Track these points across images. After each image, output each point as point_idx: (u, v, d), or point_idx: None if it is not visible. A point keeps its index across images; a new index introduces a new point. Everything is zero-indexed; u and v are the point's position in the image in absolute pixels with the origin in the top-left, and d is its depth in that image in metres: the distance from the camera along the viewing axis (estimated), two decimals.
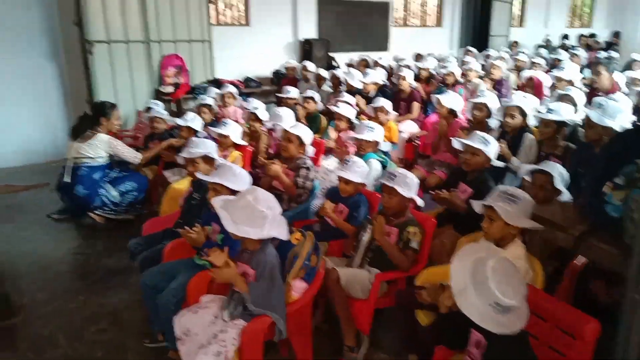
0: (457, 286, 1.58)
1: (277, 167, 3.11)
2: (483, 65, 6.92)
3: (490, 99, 4.08)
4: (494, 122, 4.03)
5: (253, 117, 4.28)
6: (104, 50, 5.69)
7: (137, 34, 5.97)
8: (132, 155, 4.12)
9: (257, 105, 4.40)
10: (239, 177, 2.55)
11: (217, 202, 2.11)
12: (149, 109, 4.82)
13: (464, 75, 6.17)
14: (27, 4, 5.65)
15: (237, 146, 3.85)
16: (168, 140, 4.23)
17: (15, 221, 4.17)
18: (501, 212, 2.06)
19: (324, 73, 6.47)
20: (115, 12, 5.73)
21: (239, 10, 8.34)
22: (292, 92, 5.41)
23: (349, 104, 4.59)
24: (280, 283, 2.13)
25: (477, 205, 2.22)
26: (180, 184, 3.51)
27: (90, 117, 4.17)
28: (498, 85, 5.99)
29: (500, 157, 3.17)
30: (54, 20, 5.84)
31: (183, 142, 3.91)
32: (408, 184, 2.52)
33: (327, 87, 6.33)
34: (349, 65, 7.74)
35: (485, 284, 1.50)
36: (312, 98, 5.09)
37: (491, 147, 2.93)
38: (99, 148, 4.00)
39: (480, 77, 6.18)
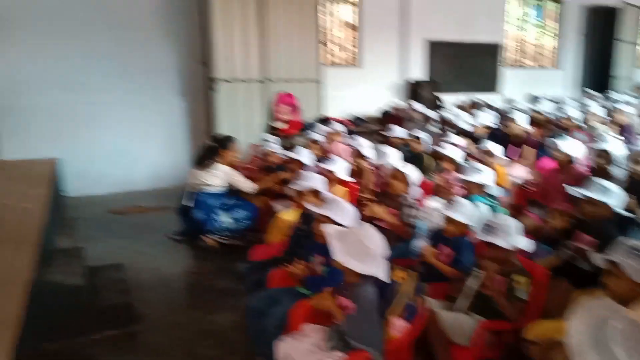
0: (575, 346, 1.45)
1: (377, 209, 3.17)
2: (605, 109, 6.48)
3: (614, 145, 3.82)
4: (618, 171, 3.75)
5: (358, 155, 4.41)
6: (226, 87, 6.24)
7: (255, 73, 6.46)
8: (248, 185, 4.44)
9: (362, 143, 4.53)
10: (346, 211, 2.64)
11: (329, 230, 2.20)
12: (262, 142, 5.17)
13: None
14: (161, 48, 6.41)
15: (343, 182, 3.97)
16: (279, 173, 4.49)
17: (141, 239, 4.64)
18: (630, 270, 1.91)
19: (431, 113, 6.47)
20: (237, 53, 6.28)
21: (352, 52, 8.68)
22: (397, 131, 5.48)
23: (456, 145, 4.54)
24: (379, 319, 2.14)
25: (599, 259, 2.08)
26: (287, 215, 3.68)
27: (212, 148, 4.57)
28: (624, 132, 5.57)
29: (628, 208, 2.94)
30: (183, 61, 6.55)
31: (292, 175, 4.12)
32: (509, 232, 2.43)
33: (433, 127, 6.32)
34: (459, 107, 7.67)
35: (609, 348, 1.36)
36: (418, 138, 5.11)
37: (613, 197, 2.73)
38: (217, 177, 4.37)
39: (603, 122, 5.79)
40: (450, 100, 8.62)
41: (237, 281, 3.44)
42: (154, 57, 6.36)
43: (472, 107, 7.38)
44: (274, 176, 4.51)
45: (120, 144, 6.30)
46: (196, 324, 3.11)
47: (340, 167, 3.97)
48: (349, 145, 5.35)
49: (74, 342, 2.81)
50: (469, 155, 4.80)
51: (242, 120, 6.39)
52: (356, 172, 4.33)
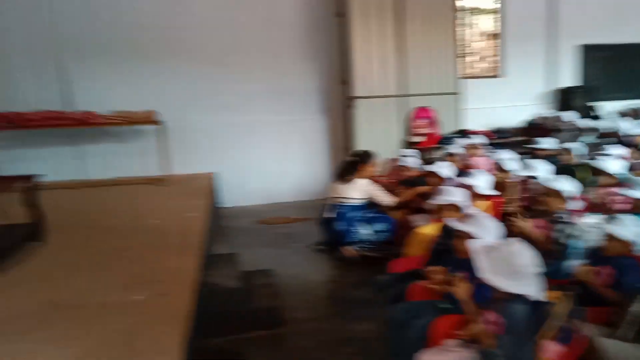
0: None
1: (524, 224, 3.00)
2: None
3: None
4: None
5: (500, 168, 4.22)
6: (364, 104, 6.42)
7: (392, 89, 6.55)
8: (387, 199, 4.53)
9: (505, 156, 4.33)
10: (490, 227, 2.55)
11: (474, 246, 2.16)
12: (400, 157, 5.22)
13: None
14: (304, 71, 6.83)
15: (485, 196, 3.83)
16: (418, 187, 4.49)
17: (286, 247, 4.97)
18: None
19: (585, 122, 5.93)
20: (375, 71, 6.44)
21: (492, 62, 8.34)
22: (544, 143, 5.13)
23: (617, 156, 4.11)
24: (530, 341, 2.04)
25: None
26: (425, 229, 3.66)
27: (352, 163, 4.75)
28: None
29: None
30: (323, 82, 6.91)
31: (431, 189, 4.09)
32: None
33: (588, 137, 5.78)
34: (621, 114, 6.91)
35: None
36: (568, 149, 4.73)
37: None
38: (357, 190, 4.52)
39: None
40: (607, 107, 7.80)
41: (377, 292, 3.51)
42: (298, 79, 6.82)
43: (635, 115, 6.59)
44: (412, 190, 4.52)
45: (268, 160, 6.87)
46: (338, 331, 3.23)
47: (482, 181, 3.84)
48: (490, 157, 5.14)
49: (232, 339, 3.11)
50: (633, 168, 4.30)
51: (379, 135, 6.50)
52: (499, 186, 4.14)
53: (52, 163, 6.11)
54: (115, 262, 3.38)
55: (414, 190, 4.48)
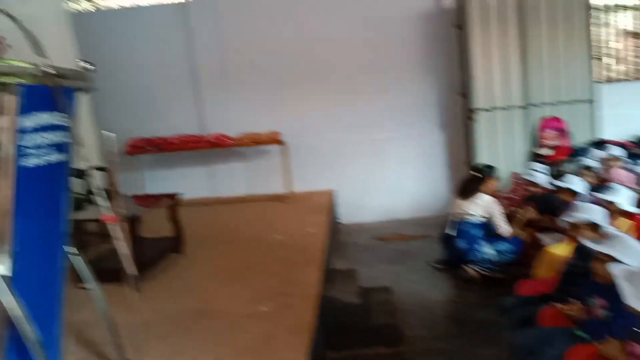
0: None
1: None
2: None
3: None
4: None
5: None
6: (485, 117, 6.17)
7: (516, 99, 6.21)
8: (504, 228, 4.31)
9: None
10: (634, 249, 2.32)
11: (616, 270, 1.99)
12: (526, 171, 4.93)
13: None
14: (422, 85, 6.75)
15: (628, 214, 3.47)
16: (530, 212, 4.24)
17: (404, 264, 4.93)
18: None
19: None
20: (497, 82, 6.16)
21: (633, 64, 7.54)
22: None
23: None
24: None
25: None
26: (556, 249, 3.42)
27: (475, 178, 4.59)
28: None
29: None
30: (442, 95, 6.78)
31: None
32: None
33: None
34: None
35: None
36: None
37: None
38: (480, 207, 4.35)
39: None
40: None
41: (502, 315, 3.34)
42: (416, 94, 6.78)
43: None
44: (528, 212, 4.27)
45: (386, 176, 6.88)
46: (461, 354, 3.13)
47: (624, 197, 3.48)
48: (632, 171, 4.64)
49: (352, 353, 3.17)
50: None
51: (502, 148, 6.20)
52: None
53: (188, 182, 6.76)
54: (244, 275, 3.64)
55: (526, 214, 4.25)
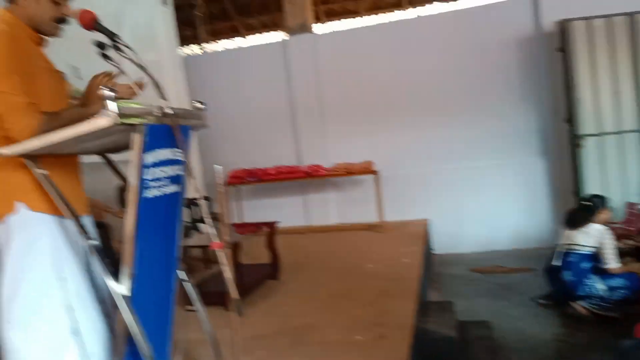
0: None
1: None
2: None
3: None
4: None
5: None
6: (593, 143, 5.77)
7: (629, 123, 5.75)
8: (613, 263, 3.96)
9: None
10: None
11: None
12: None
13: None
14: (519, 110, 6.50)
15: None
16: None
17: (505, 298, 4.67)
18: None
19: None
20: (607, 106, 5.76)
21: None
22: None
23: None
24: None
25: None
26: None
27: (584, 207, 4.29)
28: None
29: None
30: (543, 121, 6.44)
31: None
32: None
33: None
34: None
35: None
36: None
37: None
38: (591, 237, 4.05)
39: None
40: None
41: (617, 359, 3.05)
42: (515, 120, 6.52)
43: None
44: None
45: (483, 205, 6.63)
46: None
47: None
48: None
49: None
50: None
51: (613, 176, 5.73)
52: None
53: (284, 211, 7.02)
54: (338, 303, 3.67)
55: None
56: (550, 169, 6.47)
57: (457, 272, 5.74)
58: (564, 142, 6.09)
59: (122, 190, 4.96)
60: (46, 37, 1.92)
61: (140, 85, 1.91)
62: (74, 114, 1.78)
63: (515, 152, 6.55)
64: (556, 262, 4.22)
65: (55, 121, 1.67)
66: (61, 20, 1.87)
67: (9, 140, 1.69)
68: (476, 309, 4.44)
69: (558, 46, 5.99)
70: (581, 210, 4.30)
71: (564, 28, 5.83)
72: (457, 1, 8.08)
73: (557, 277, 4.20)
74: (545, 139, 6.47)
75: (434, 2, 8.20)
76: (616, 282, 3.92)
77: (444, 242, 6.67)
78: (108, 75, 1.91)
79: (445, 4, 8.15)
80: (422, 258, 4.84)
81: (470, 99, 6.62)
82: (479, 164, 6.62)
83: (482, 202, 6.62)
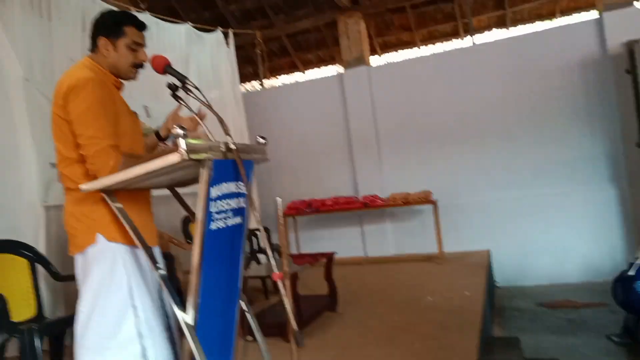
0: None
1: None
2: None
3: None
4: None
5: None
6: None
7: None
8: None
9: None
10: None
11: None
12: None
13: None
14: (585, 136, 6.23)
15: None
16: None
17: (576, 335, 4.40)
18: None
19: None
20: None
21: None
22: None
23: None
24: None
25: None
26: None
27: None
28: None
29: None
30: (615, 146, 6.13)
31: None
32: None
33: None
34: None
35: None
36: None
37: None
38: None
39: None
40: None
41: None
42: (581, 146, 6.25)
43: None
44: None
45: (549, 235, 6.32)
46: None
47: None
48: None
49: None
50: None
51: None
52: None
53: (341, 241, 7.03)
54: (397, 336, 3.59)
55: None
56: (621, 196, 6.11)
57: (522, 305, 5.48)
58: (636, 167, 5.75)
59: (187, 222, 5.18)
60: (123, 81, 2.09)
61: (202, 117, 2.03)
62: (148, 158, 1.93)
63: (583, 178, 6.24)
64: (631, 272, 3.94)
65: (134, 163, 1.80)
66: (138, 65, 2.03)
67: (89, 177, 1.84)
68: (544, 346, 4.20)
69: (626, 67, 5.74)
70: None
71: (631, 49, 5.60)
72: (517, 27, 7.96)
73: (629, 288, 3.91)
74: (615, 164, 6.14)
75: (493, 29, 8.12)
76: None
77: (507, 274, 6.40)
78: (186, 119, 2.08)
79: (502, 30, 8.06)
80: (485, 290, 4.66)
81: (533, 125, 6.43)
82: (544, 192, 6.35)
83: (548, 232, 6.32)
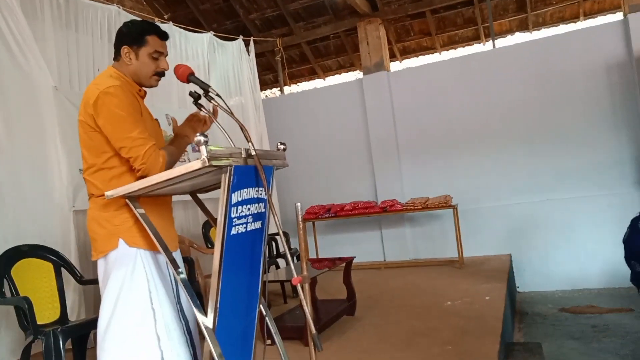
0: None
1: None
2: None
3: None
4: None
5: None
6: None
7: None
8: None
9: None
10: None
11: None
12: None
13: None
14: (616, 140, 6.14)
15: None
16: None
17: (600, 342, 4.31)
18: None
19: None
20: None
21: None
22: None
23: None
24: None
25: None
26: None
27: None
28: None
29: None
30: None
31: None
32: None
33: None
34: None
35: None
36: None
37: None
38: None
39: None
40: None
41: None
42: (606, 150, 6.16)
43: None
44: None
45: (572, 240, 6.24)
46: None
47: None
48: None
49: None
50: None
51: None
52: None
53: (360, 246, 7.04)
54: (416, 341, 3.59)
55: None
56: None
57: (544, 311, 5.41)
58: None
59: (208, 227, 5.25)
60: (145, 89, 2.16)
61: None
62: (176, 147, 2.09)
63: (609, 182, 6.14)
64: None
65: (172, 156, 1.93)
66: (159, 73, 2.10)
67: (112, 184, 1.91)
68: (566, 352, 4.14)
69: None
70: None
71: None
72: (539, 30, 7.87)
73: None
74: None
75: (515, 33, 8.04)
76: None
77: (529, 279, 6.33)
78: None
79: (525, 34, 7.98)
80: (505, 295, 4.62)
81: (556, 129, 6.36)
82: (566, 196, 6.27)
83: (571, 237, 6.23)
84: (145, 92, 2.16)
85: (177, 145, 2.12)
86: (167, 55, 2.11)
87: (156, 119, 2.26)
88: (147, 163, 1.85)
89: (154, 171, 1.83)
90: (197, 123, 2.19)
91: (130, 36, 2.02)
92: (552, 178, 6.37)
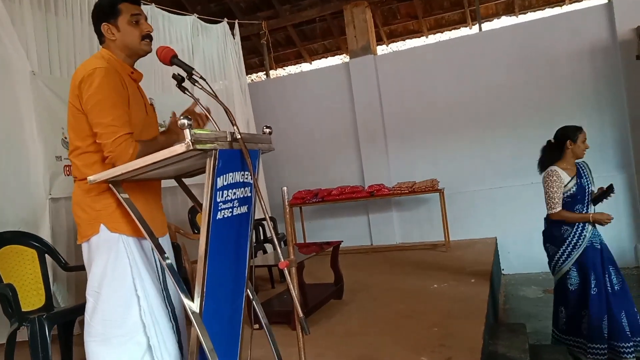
0: None
1: None
2: None
3: None
4: None
5: None
6: None
7: None
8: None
9: None
10: None
11: None
12: None
13: None
14: (600, 123, 6.19)
15: None
16: None
17: None
18: None
19: None
20: None
21: None
22: None
23: None
24: None
25: None
26: None
27: None
28: None
29: None
30: (623, 132, 6.10)
31: None
32: None
33: None
34: None
35: None
36: None
37: None
38: None
39: None
40: None
41: None
42: (589, 133, 6.16)
43: None
44: None
45: None
46: None
47: None
48: None
49: None
50: None
51: None
52: None
53: (347, 231, 7.07)
54: (402, 323, 3.63)
55: None
56: (630, 183, 6.10)
57: (528, 293, 5.51)
58: None
59: (194, 213, 5.21)
60: (140, 72, 2.11)
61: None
62: (161, 141, 2.01)
63: (592, 166, 6.14)
64: None
65: (149, 148, 1.84)
66: (147, 36, 2.03)
67: (96, 167, 1.88)
68: (549, 332, 4.21)
69: (636, 53, 5.68)
70: None
71: None
72: (526, 14, 7.86)
73: None
74: (624, 151, 6.12)
75: (502, 17, 8.03)
76: None
77: (513, 262, 6.42)
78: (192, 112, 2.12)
79: (511, 17, 7.98)
80: (491, 278, 4.68)
81: (539, 113, 6.40)
82: None
83: None
84: (140, 75, 2.11)
85: (163, 139, 2.08)
86: (145, 18, 2.05)
87: (152, 104, 2.21)
88: (114, 152, 1.81)
89: (122, 161, 1.79)
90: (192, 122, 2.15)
91: (103, 11, 1.98)
92: (537, 161, 6.41)
